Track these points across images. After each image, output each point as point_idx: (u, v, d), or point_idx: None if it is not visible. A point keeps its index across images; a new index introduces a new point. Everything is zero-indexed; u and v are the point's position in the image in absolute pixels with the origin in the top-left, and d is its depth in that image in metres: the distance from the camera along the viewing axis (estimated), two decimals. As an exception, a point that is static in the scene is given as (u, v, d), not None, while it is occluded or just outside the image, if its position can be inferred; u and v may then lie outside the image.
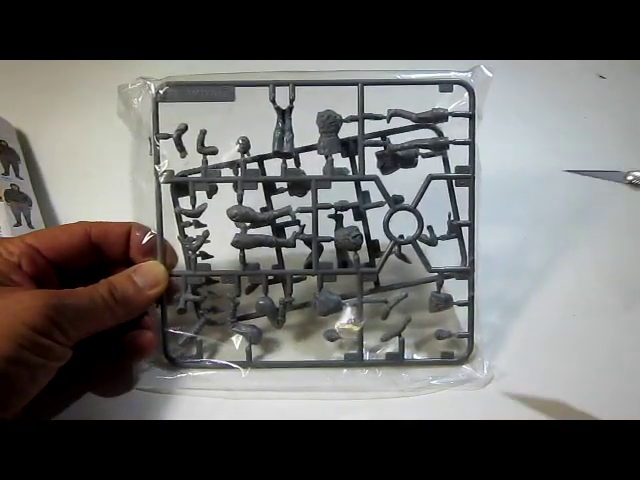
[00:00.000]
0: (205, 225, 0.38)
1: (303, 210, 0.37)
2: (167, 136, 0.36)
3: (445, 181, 0.38)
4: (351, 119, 0.37)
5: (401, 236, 0.38)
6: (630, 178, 0.30)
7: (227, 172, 0.37)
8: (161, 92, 0.36)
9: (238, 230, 0.38)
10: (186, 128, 0.37)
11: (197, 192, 0.37)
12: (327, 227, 0.38)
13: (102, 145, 0.51)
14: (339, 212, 0.38)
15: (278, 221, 0.39)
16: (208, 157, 0.37)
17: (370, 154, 0.38)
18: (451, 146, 0.38)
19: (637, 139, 0.53)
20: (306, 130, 0.37)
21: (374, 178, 0.37)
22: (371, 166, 0.38)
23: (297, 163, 0.38)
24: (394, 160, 0.39)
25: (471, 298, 0.38)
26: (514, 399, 0.37)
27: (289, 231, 0.39)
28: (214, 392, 0.37)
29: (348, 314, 0.38)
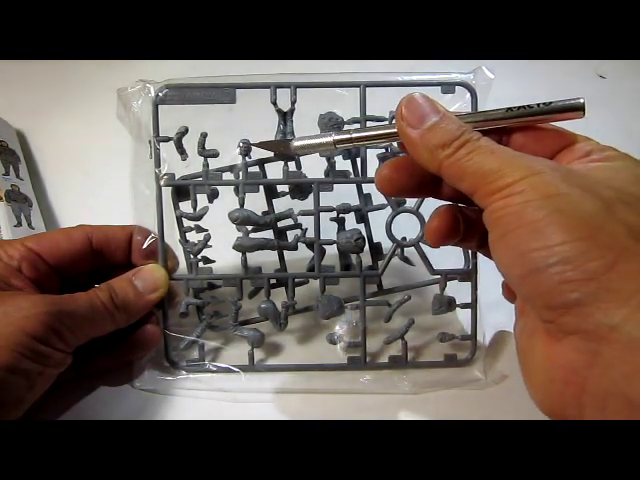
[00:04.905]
0: (206, 230, 0.38)
1: (305, 213, 0.37)
2: (167, 139, 0.36)
3: (447, 183, 0.38)
4: (353, 121, 0.37)
5: (404, 238, 0.38)
6: None
7: (228, 176, 0.37)
8: (161, 95, 0.36)
9: (240, 234, 0.37)
10: (186, 131, 0.36)
11: (198, 196, 0.37)
12: (329, 230, 0.38)
13: (102, 145, 0.51)
14: (341, 215, 0.38)
15: (280, 224, 0.39)
16: (209, 160, 0.37)
17: (372, 156, 0.38)
18: (453, 148, 0.38)
19: (637, 139, 0.53)
20: (308, 132, 0.37)
21: (376, 180, 0.37)
22: (373, 168, 0.38)
23: (298, 166, 0.38)
24: (396, 162, 0.38)
25: (474, 300, 0.38)
26: (517, 401, 0.36)
27: (291, 234, 0.39)
28: (215, 394, 0.37)
29: (351, 317, 0.38)
